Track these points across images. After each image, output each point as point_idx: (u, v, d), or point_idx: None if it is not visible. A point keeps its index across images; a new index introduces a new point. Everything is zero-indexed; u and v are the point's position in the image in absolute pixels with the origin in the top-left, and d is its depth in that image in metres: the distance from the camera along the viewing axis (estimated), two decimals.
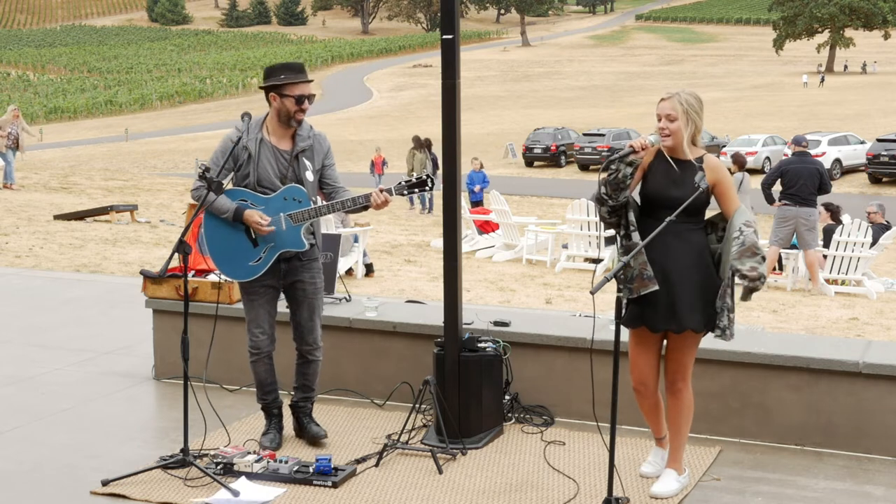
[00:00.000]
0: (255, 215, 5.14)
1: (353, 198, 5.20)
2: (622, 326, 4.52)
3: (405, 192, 5.20)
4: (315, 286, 5.37)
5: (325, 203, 5.29)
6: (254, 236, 5.19)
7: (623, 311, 4.59)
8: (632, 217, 4.57)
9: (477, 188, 23.99)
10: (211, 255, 5.28)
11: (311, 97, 5.23)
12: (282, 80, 5.17)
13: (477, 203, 23.33)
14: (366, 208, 5.21)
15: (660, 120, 4.59)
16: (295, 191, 5.18)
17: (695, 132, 4.60)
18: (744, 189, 14.14)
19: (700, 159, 4.62)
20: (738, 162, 15.27)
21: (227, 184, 5.31)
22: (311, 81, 5.33)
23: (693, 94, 4.63)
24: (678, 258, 4.56)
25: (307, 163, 5.26)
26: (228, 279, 5.37)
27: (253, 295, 5.31)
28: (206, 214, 5.25)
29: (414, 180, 5.21)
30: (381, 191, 5.16)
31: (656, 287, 4.49)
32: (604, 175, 4.53)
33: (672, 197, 4.54)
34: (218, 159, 5.22)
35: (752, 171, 36.03)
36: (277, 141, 5.24)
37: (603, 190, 4.53)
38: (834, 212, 14.92)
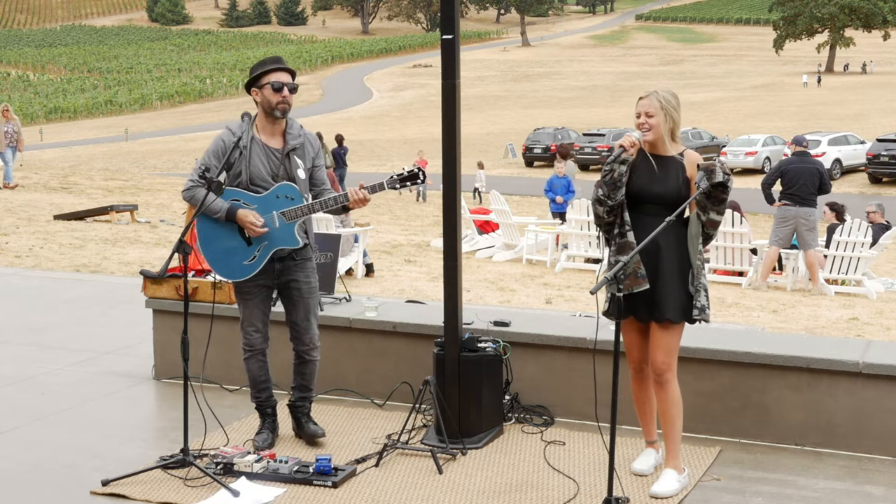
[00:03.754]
0: (249, 216, 5.11)
1: (335, 196, 5.18)
2: (611, 319, 4.77)
3: (397, 185, 5.19)
4: (310, 286, 5.35)
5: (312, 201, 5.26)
6: (247, 235, 5.19)
7: (609, 304, 4.82)
8: (627, 217, 4.75)
9: (559, 199, 16.47)
10: (205, 255, 5.26)
11: (290, 87, 5.17)
12: (255, 73, 5.18)
13: (558, 214, 16.55)
14: (345, 208, 5.18)
15: (639, 116, 4.77)
16: (287, 188, 5.17)
17: (673, 127, 4.78)
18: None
19: (681, 154, 4.78)
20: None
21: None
22: (289, 70, 5.22)
23: (670, 91, 4.81)
24: (660, 251, 4.72)
25: (298, 161, 5.24)
26: (223, 279, 5.35)
27: (247, 295, 5.31)
28: (199, 215, 5.24)
29: (406, 173, 5.20)
30: (362, 187, 5.15)
31: (647, 286, 4.70)
32: (601, 178, 4.77)
33: (655, 193, 4.73)
34: (209, 159, 5.17)
35: (753, 171, 36.28)
36: (267, 139, 5.22)
37: (601, 191, 4.76)
38: (839, 211, 14.89)
